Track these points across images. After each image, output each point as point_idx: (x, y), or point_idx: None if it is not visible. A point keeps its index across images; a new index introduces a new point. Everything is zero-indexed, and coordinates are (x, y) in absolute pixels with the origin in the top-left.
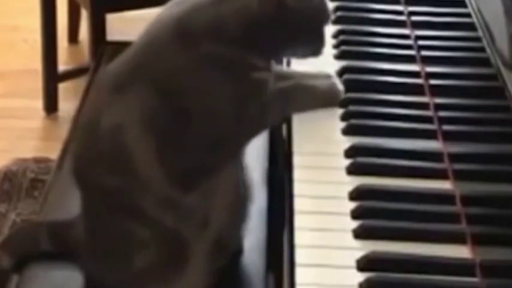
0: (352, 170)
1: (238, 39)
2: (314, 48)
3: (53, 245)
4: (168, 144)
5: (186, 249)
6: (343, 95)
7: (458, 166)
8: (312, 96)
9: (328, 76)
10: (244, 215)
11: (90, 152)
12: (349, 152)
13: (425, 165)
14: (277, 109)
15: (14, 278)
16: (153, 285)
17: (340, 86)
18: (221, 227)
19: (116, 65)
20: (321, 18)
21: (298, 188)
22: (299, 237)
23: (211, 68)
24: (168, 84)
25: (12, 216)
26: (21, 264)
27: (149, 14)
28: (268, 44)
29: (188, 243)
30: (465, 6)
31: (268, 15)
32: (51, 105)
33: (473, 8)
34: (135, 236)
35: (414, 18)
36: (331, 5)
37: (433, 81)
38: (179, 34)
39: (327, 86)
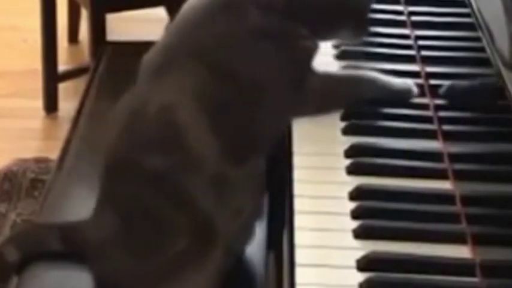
0: (352, 170)
1: (285, 13)
2: (357, 30)
3: (63, 246)
4: (220, 116)
5: (213, 241)
6: (416, 94)
7: (458, 166)
8: (378, 86)
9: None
10: (256, 219)
11: (137, 137)
12: (349, 152)
13: (425, 165)
14: (337, 92)
15: (14, 278)
16: (172, 280)
17: (414, 86)
18: (247, 220)
19: (155, 50)
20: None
21: (298, 188)
22: (299, 237)
23: (259, 39)
24: (218, 57)
25: (12, 216)
26: (26, 262)
27: (149, 14)
28: (313, 22)
29: (217, 236)
30: (465, 6)
31: None
32: (51, 105)
33: (473, 8)
34: (171, 223)
35: (414, 18)
36: None
37: (433, 81)
38: (227, 7)
39: (400, 82)
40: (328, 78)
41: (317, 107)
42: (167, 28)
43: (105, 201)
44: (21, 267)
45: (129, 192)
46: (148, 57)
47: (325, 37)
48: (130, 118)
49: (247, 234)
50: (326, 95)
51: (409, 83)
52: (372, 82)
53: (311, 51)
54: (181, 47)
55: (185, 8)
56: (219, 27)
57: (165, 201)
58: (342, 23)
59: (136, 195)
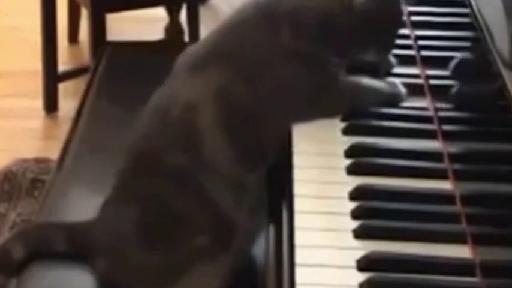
0: (352, 170)
1: (316, 37)
2: (383, 50)
3: (68, 247)
4: (237, 125)
5: (231, 240)
6: (406, 97)
7: (458, 166)
8: (375, 92)
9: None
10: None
11: (161, 133)
12: (349, 152)
13: (425, 165)
14: (348, 99)
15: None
16: (186, 276)
17: (403, 89)
18: (257, 219)
19: (197, 47)
20: (392, 21)
21: (298, 188)
22: (299, 237)
23: (286, 57)
24: (244, 67)
25: (12, 216)
26: (26, 261)
27: (149, 14)
28: (342, 46)
29: (235, 236)
30: (465, 6)
31: (338, 18)
32: (51, 105)
33: (473, 8)
34: (191, 221)
35: (414, 18)
36: None
37: (433, 82)
38: (264, 21)
39: (390, 87)
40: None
41: (320, 115)
42: (211, 31)
43: (121, 197)
44: (21, 266)
45: (151, 188)
46: (184, 56)
47: (351, 57)
48: (157, 114)
49: (257, 233)
50: (331, 104)
51: (398, 84)
52: (368, 89)
53: (334, 75)
54: (215, 52)
55: (231, 14)
56: (251, 40)
57: (187, 199)
58: (370, 45)
59: (159, 192)
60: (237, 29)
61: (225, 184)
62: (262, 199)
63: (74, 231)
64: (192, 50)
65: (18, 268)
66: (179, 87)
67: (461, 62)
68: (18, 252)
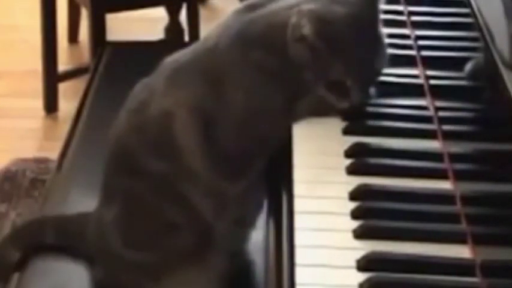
0: (352, 170)
1: (285, 54)
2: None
3: (58, 238)
4: (214, 135)
5: (212, 245)
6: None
7: (458, 166)
8: None
9: None
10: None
11: (139, 134)
12: (349, 152)
13: (425, 165)
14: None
15: (16, 275)
16: (171, 275)
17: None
18: (248, 227)
19: (179, 55)
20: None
21: (298, 188)
22: (299, 237)
23: (259, 73)
24: (220, 81)
25: (12, 216)
26: (26, 257)
27: (149, 14)
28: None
29: (216, 241)
30: (465, 6)
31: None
32: (51, 105)
33: (473, 8)
34: (172, 220)
35: (414, 18)
36: None
37: (433, 82)
38: (239, 41)
39: None
40: None
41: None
42: (204, 37)
43: (107, 193)
44: (22, 264)
45: (131, 188)
46: (170, 60)
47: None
48: (136, 110)
49: (247, 236)
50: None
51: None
52: None
53: (308, 86)
54: (197, 61)
55: (220, 24)
56: (226, 55)
57: (166, 201)
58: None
59: (139, 193)
60: (216, 44)
61: (204, 192)
62: (259, 207)
63: (65, 224)
64: (178, 55)
65: (20, 265)
66: (158, 92)
67: (474, 63)
68: (13, 256)
